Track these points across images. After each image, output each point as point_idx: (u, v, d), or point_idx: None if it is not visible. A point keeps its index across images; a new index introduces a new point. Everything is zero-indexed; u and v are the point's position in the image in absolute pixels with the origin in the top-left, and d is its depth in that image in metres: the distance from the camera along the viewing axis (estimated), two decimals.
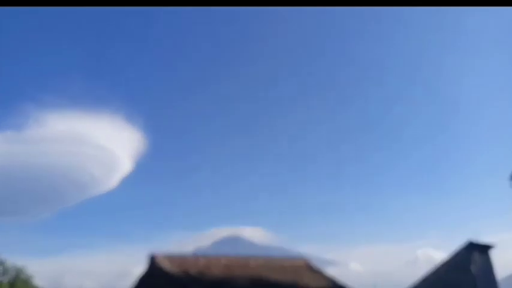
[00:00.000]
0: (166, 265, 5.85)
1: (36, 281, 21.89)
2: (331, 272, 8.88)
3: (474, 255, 13.63)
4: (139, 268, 6.51)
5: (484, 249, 14.58)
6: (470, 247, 13.30)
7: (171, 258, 6.09)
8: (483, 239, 14.58)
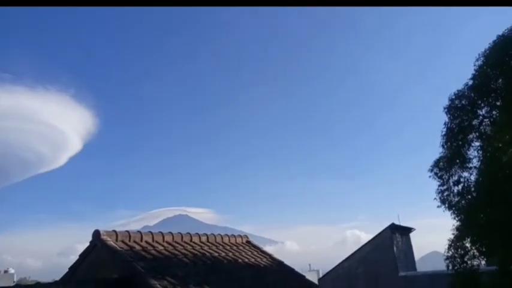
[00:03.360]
0: (110, 241, 5.95)
1: None
2: (270, 250, 9.46)
3: (396, 236, 15.11)
4: (83, 245, 6.48)
5: (404, 232, 16.18)
6: (393, 229, 14.71)
7: (116, 234, 6.18)
8: (404, 223, 16.18)
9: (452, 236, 8.30)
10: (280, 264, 8.67)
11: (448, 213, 8.35)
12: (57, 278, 5.07)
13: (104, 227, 6.39)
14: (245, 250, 8.55)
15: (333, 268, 16.00)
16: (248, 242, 9.20)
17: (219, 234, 8.52)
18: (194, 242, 7.60)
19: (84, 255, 6.17)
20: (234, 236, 8.98)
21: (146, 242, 6.64)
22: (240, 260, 7.80)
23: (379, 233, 14.90)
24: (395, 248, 14.62)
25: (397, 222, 15.26)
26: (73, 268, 6.20)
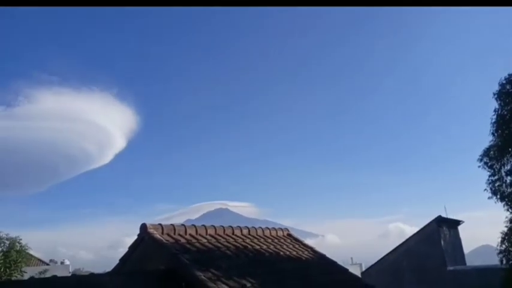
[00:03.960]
0: (156, 234, 6.19)
1: (32, 252, 22.17)
2: (310, 243, 9.42)
3: (443, 229, 14.54)
4: (130, 238, 6.80)
5: (452, 225, 15.52)
6: (440, 222, 14.16)
7: (161, 227, 6.42)
8: (452, 216, 15.52)
9: (505, 229, 7.88)
10: (322, 257, 8.63)
11: (500, 204, 7.94)
12: (108, 269, 5.36)
13: (148, 220, 6.63)
14: (286, 243, 8.59)
15: (377, 261, 15.69)
16: (289, 235, 9.23)
17: (260, 227, 8.61)
18: (236, 235, 7.73)
19: (133, 248, 6.47)
20: (275, 229, 9.04)
21: (190, 235, 6.84)
22: (281, 253, 7.85)
23: (425, 226, 14.41)
24: (442, 242, 14.08)
25: (443, 215, 14.67)
26: (123, 260, 6.52)
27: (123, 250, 6.79)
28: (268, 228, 8.81)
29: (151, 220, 6.45)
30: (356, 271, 13.34)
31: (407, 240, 14.83)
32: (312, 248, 8.82)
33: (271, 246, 7.94)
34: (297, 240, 9.07)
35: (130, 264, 6.52)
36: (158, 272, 5.89)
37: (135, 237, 6.50)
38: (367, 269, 17.07)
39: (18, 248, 14.54)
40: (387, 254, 15.41)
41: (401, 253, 14.72)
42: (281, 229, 9.20)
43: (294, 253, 8.17)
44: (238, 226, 8.06)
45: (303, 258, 8.11)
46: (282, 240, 8.64)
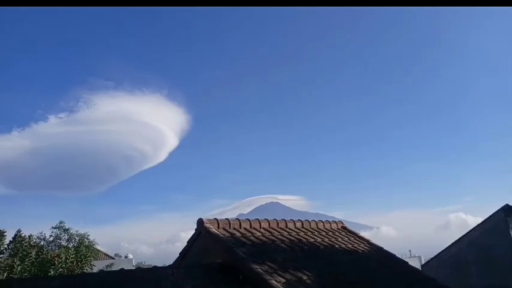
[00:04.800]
0: (213, 228, 6.37)
1: (99, 247, 23.93)
2: (365, 236, 9.21)
3: (511, 219, 13.54)
4: (186, 233, 7.08)
5: None
6: (507, 211, 13.19)
7: (217, 222, 6.60)
8: None
9: None
10: (379, 249, 8.40)
11: None
12: (167, 262, 5.62)
13: (203, 215, 6.85)
14: (341, 236, 8.46)
15: (438, 254, 14.98)
16: (343, 227, 9.09)
17: (313, 220, 8.56)
18: (290, 228, 7.75)
19: (191, 242, 6.71)
20: (329, 221, 8.94)
21: (245, 228, 6.97)
22: (336, 246, 7.76)
23: (491, 216, 13.50)
24: (511, 232, 13.13)
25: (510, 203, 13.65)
26: (182, 254, 6.79)
27: (180, 244, 7.08)
28: (321, 221, 8.73)
29: (205, 215, 6.63)
30: (415, 264, 12.83)
31: (471, 231, 13.99)
32: (368, 241, 8.61)
33: (326, 239, 7.87)
34: (352, 232, 8.91)
35: (189, 257, 6.78)
36: (216, 265, 6.06)
37: (191, 232, 6.74)
38: (427, 262, 16.35)
39: (87, 244, 15.75)
40: (449, 246, 14.65)
41: (465, 245, 13.92)
42: (335, 222, 9.08)
43: (350, 246, 8.03)
44: (291, 219, 8.07)
45: (360, 250, 7.95)
46: (337, 233, 8.53)
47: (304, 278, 5.71)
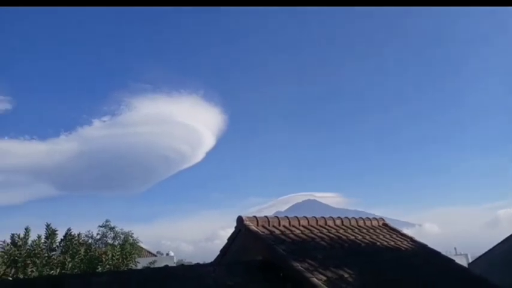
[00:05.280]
0: (252, 226, 6.42)
1: (142, 244, 24.86)
2: (407, 233, 8.94)
3: None
4: (224, 231, 7.21)
5: None
6: None
7: (256, 219, 6.64)
8: None
9: None
10: (423, 247, 8.12)
11: None
12: (206, 259, 5.74)
13: (240, 213, 6.90)
14: (383, 233, 8.26)
15: (487, 252, 14.26)
16: (385, 224, 8.86)
17: (353, 217, 8.41)
18: (329, 226, 7.66)
19: (231, 240, 6.80)
20: (369, 218, 8.75)
21: (284, 226, 6.97)
22: (378, 243, 7.58)
23: None
24: None
25: None
26: (223, 251, 6.89)
27: (219, 242, 7.20)
28: (362, 218, 8.56)
29: (242, 213, 6.72)
30: (462, 262, 12.29)
31: None
32: (411, 238, 8.35)
33: (367, 237, 7.71)
34: (394, 230, 8.67)
35: (229, 255, 6.87)
36: (256, 263, 6.10)
37: (229, 229, 6.83)
38: (475, 260, 15.61)
39: (131, 241, 16.37)
40: (499, 244, 13.89)
41: None
42: (375, 219, 8.87)
43: (392, 243, 7.82)
44: (330, 216, 7.98)
45: (403, 248, 7.72)
46: (378, 231, 8.33)
47: (346, 275, 5.63)
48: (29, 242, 12.32)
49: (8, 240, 12.41)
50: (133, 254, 14.34)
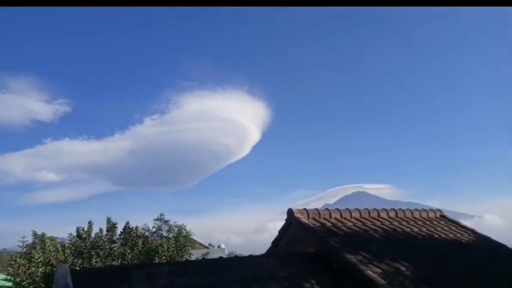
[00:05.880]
0: (303, 218, 6.41)
1: (194, 237, 25.86)
2: (466, 225, 8.45)
3: None
4: (272, 224, 7.28)
5: None
6: None
7: (307, 212, 6.62)
8: None
9: None
10: (486, 239, 7.65)
11: None
12: (256, 251, 5.84)
13: (287, 206, 6.90)
14: (440, 225, 7.88)
15: None
16: (443, 216, 8.45)
17: (408, 209, 8.11)
18: (382, 218, 7.46)
19: (282, 232, 6.85)
20: (425, 210, 8.39)
21: (335, 218, 6.89)
22: (436, 236, 7.25)
23: None
24: None
25: None
26: (274, 243, 6.96)
27: (268, 234, 7.30)
28: (417, 210, 8.23)
29: (290, 206, 6.71)
30: None
31: None
32: (472, 230, 7.90)
33: (424, 229, 7.40)
34: (453, 221, 8.25)
35: (281, 247, 6.92)
36: (308, 255, 6.10)
37: (277, 222, 6.88)
38: None
39: (184, 234, 17.03)
40: None
41: None
42: (432, 210, 8.49)
43: (451, 235, 7.44)
44: (383, 208, 7.76)
45: (463, 241, 7.33)
46: (435, 222, 7.97)
47: (402, 268, 5.47)
48: (92, 234, 13.23)
49: (74, 233, 13.40)
50: (187, 246, 14.89)
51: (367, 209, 7.54)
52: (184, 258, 13.33)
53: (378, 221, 7.29)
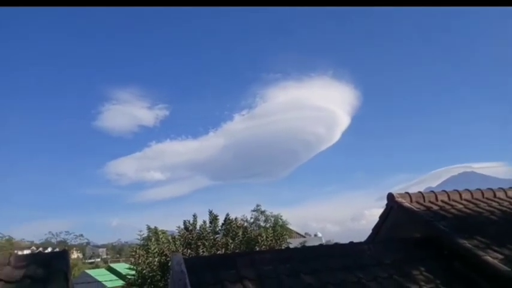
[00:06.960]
0: (405, 202, 6.04)
1: (290, 226, 26.55)
2: None
3: None
4: (369, 211, 6.99)
5: None
6: None
7: (409, 196, 6.23)
8: None
9: None
10: None
11: None
12: (353, 239, 5.64)
13: (384, 192, 6.53)
14: None
15: None
16: None
17: None
18: (499, 198, 6.65)
19: (383, 217, 6.55)
20: None
21: (442, 201, 6.36)
22: None
23: None
24: None
25: None
26: (375, 229, 6.70)
27: (365, 222, 7.03)
28: None
29: (388, 191, 6.35)
30: None
31: None
32: None
33: None
34: None
35: (382, 233, 6.63)
36: (413, 240, 5.75)
37: (374, 209, 6.63)
38: None
39: (281, 224, 17.50)
40: None
41: None
42: None
43: None
44: (500, 188, 6.92)
45: None
46: None
47: None
48: (197, 226, 14.33)
49: (181, 226, 14.64)
50: (285, 235, 15.21)
51: (480, 189, 6.81)
52: (282, 247, 13.68)
53: (494, 201, 6.53)
